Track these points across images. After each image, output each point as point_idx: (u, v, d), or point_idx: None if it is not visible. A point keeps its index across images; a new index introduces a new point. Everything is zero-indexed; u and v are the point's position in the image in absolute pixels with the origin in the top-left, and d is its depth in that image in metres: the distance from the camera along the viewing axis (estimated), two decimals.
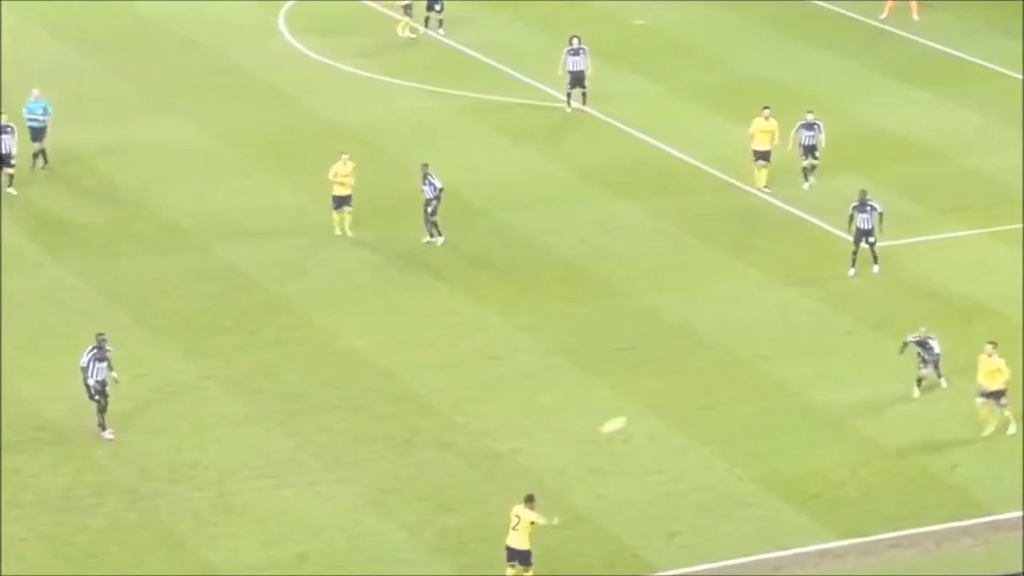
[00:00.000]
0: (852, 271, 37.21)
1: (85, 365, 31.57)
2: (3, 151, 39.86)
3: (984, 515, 30.17)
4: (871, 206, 37.60)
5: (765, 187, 40.94)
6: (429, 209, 38.70)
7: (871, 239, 37.47)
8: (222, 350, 34.90)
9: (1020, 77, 49.14)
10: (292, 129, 45.48)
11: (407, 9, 50.71)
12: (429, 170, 38.78)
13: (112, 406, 32.03)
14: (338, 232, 39.28)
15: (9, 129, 40.20)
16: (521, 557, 27.44)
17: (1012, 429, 32.12)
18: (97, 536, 29.30)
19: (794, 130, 41.65)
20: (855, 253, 37.49)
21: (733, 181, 41.90)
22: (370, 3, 54.21)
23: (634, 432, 32.19)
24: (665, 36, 51.53)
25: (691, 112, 46.64)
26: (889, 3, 52.87)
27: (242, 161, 43.52)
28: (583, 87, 45.81)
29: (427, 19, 51.17)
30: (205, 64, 49.38)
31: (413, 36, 50.83)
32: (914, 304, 36.95)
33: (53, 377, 33.67)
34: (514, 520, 27.40)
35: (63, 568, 28.61)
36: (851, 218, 37.68)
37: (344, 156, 39.42)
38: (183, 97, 47.16)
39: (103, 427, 31.67)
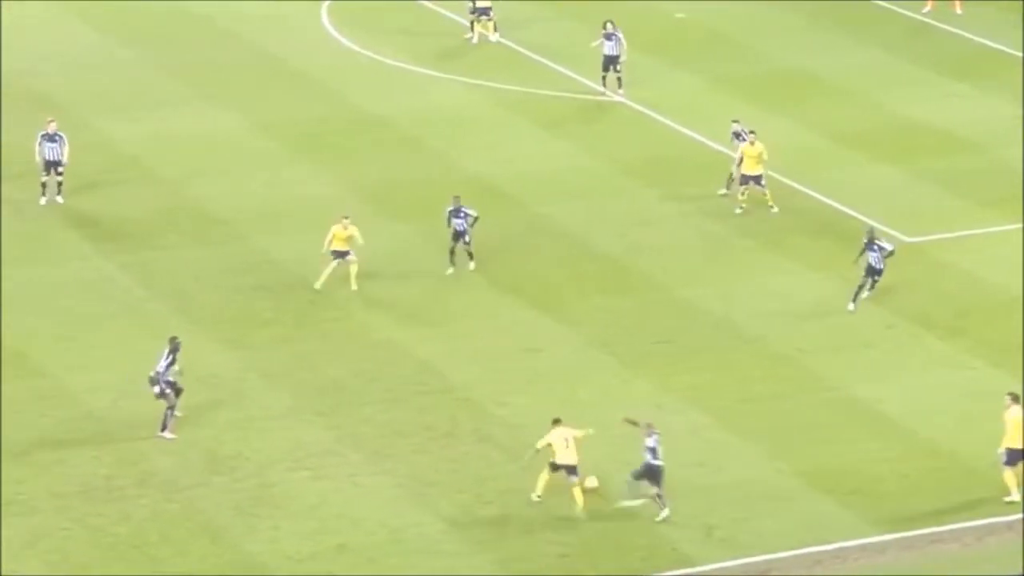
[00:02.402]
0: (852, 307, 35.59)
1: (162, 371, 31.12)
2: (51, 158, 39.69)
3: None
4: (879, 245, 35.83)
5: (771, 206, 39.38)
6: (465, 239, 37.00)
7: (877, 278, 35.63)
8: (263, 342, 34.78)
9: None
10: (333, 121, 45.33)
11: (484, 12, 49.75)
12: (461, 202, 37.35)
13: (153, 399, 31.94)
14: (317, 286, 36.07)
15: (58, 137, 39.91)
16: (574, 470, 29.56)
17: None
18: (138, 526, 29.23)
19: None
20: (861, 288, 35.74)
21: (771, 173, 41.50)
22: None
23: (673, 425, 31.93)
24: (704, 28, 51.19)
25: (731, 105, 46.27)
26: None
27: (283, 152, 43.38)
28: (617, 71, 45.55)
29: (487, 24, 49.76)
30: (247, 56, 49.28)
31: (493, 39, 49.86)
32: (954, 298, 36.57)
33: (95, 368, 33.62)
34: (563, 443, 29.55)
35: (105, 558, 28.54)
36: (861, 254, 35.86)
37: (345, 220, 36.43)
38: (225, 89, 47.06)
39: (165, 427, 31.44)
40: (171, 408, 31.55)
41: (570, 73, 47.66)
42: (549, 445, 29.66)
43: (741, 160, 39.69)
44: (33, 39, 49.48)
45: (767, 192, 39.52)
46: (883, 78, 48.14)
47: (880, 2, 53.52)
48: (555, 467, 29.69)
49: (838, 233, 39.03)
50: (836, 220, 39.80)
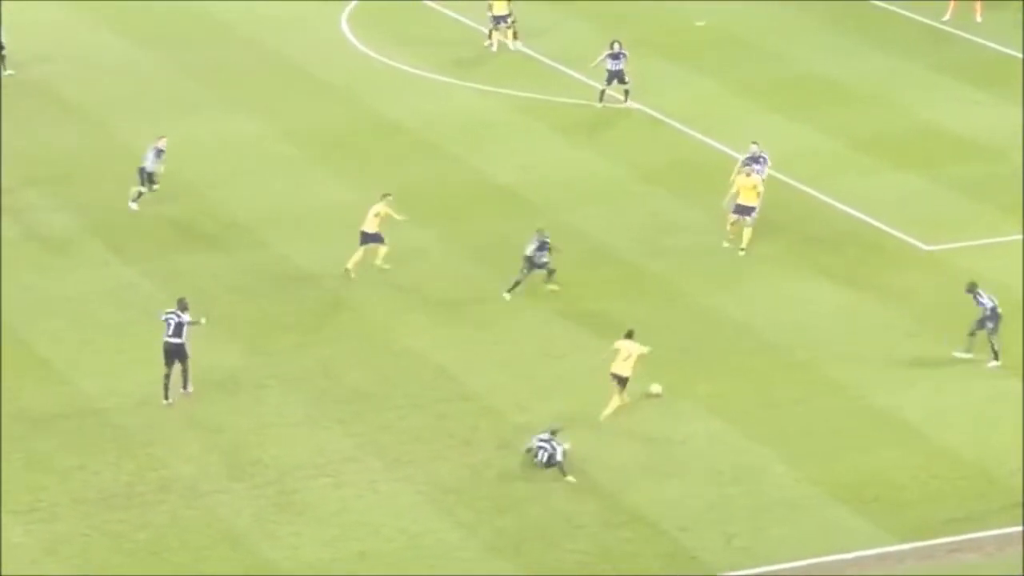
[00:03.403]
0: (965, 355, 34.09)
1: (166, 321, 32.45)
2: (149, 169, 39.91)
3: None
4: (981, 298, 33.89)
5: (742, 249, 37.89)
6: (545, 266, 36.31)
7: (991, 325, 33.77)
8: (283, 348, 34.78)
9: None
10: (353, 127, 45.34)
11: (502, 20, 49.78)
12: (546, 235, 36.45)
13: (174, 405, 31.94)
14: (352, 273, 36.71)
15: (159, 152, 39.96)
16: (624, 382, 31.76)
17: None
18: (158, 533, 29.24)
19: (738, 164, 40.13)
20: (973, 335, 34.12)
21: (790, 181, 41.42)
22: (430, 3, 54.03)
23: (693, 432, 31.88)
24: (724, 34, 51.10)
25: (750, 110, 46.23)
26: (952, 4, 52.25)
27: (304, 158, 43.40)
28: (623, 83, 45.46)
29: (506, 32, 49.64)
30: (268, 62, 49.31)
31: (512, 47, 49.82)
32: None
33: (116, 374, 33.64)
34: (625, 354, 31.85)
35: (125, 564, 28.55)
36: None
37: (388, 197, 37.22)
38: (246, 95, 47.10)
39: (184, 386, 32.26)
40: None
41: (588, 80, 47.60)
42: (615, 351, 31.82)
43: (734, 188, 38.70)
44: (53, 43, 49.54)
45: (750, 229, 37.97)
46: (903, 84, 48.02)
47: (899, 9, 53.41)
48: (613, 376, 31.79)
49: (857, 240, 38.92)
50: (855, 227, 39.69)
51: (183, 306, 32.87)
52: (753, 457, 31.37)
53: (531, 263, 36.37)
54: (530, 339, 35.21)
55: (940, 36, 51.52)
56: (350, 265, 37.06)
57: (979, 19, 51.98)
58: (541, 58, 49.72)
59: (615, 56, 45.46)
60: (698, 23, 52.25)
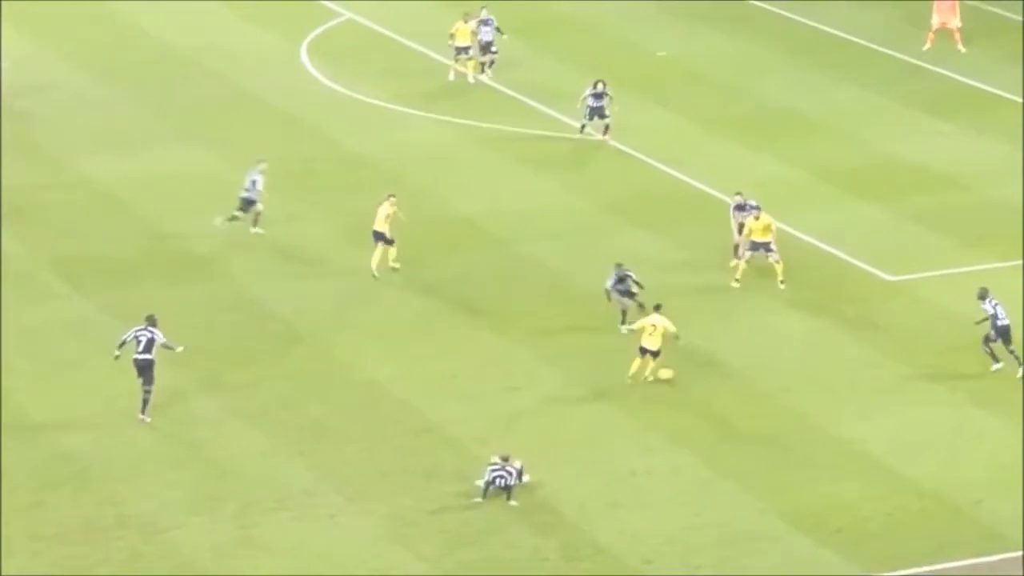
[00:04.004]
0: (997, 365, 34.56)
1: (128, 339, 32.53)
2: (252, 197, 40.28)
3: (1011, 551, 29.73)
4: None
5: (782, 282, 37.90)
6: (633, 297, 36.32)
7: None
8: (242, 382, 34.67)
9: None
10: (315, 159, 45.34)
11: (463, 51, 49.97)
12: (626, 270, 36.64)
13: (132, 439, 31.81)
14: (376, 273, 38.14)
15: (259, 175, 40.36)
16: (655, 354, 34.09)
17: None
18: (117, 569, 29.04)
19: (731, 210, 40.09)
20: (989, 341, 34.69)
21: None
22: (391, 35, 54.15)
23: (656, 465, 31.87)
24: (687, 67, 51.30)
25: (713, 142, 46.40)
26: (931, 34, 52.59)
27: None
28: (604, 118, 45.61)
29: (482, 64, 49.96)
30: (228, 94, 49.30)
31: (475, 81, 49.94)
32: (939, 337, 36.57)
33: (73, 408, 33.47)
34: (651, 328, 34.13)
35: None
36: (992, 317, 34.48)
37: (392, 198, 38.63)
38: (206, 127, 47.07)
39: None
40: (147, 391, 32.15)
41: (553, 113, 47.72)
42: (642, 328, 33.99)
43: (741, 229, 38.83)
44: (12, 77, 49.43)
45: (779, 262, 38.12)
46: (867, 116, 48.26)
47: (859, 40, 53.71)
48: (642, 350, 33.88)
49: (821, 271, 39.02)
50: (819, 258, 39.79)
51: (152, 322, 33.01)
52: (717, 489, 31.36)
53: (611, 296, 36.49)
54: (491, 372, 35.18)
55: (903, 68, 51.82)
56: (373, 266, 38.27)
57: (962, 49, 52.24)
58: (504, 90, 49.84)
59: (598, 95, 45.58)
60: (659, 54, 52.46)
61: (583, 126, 46.04)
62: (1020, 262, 39.69)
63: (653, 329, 34.12)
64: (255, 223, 40.50)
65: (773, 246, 38.41)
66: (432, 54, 52.22)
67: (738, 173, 44.18)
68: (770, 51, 52.85)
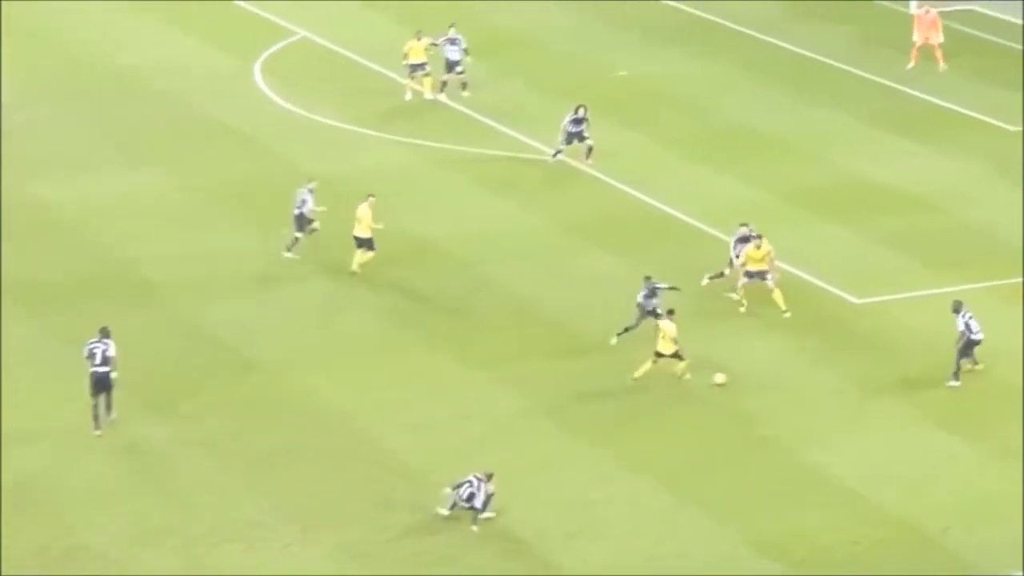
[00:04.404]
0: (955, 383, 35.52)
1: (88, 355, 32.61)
2: (305, 213, 40.58)
3: None
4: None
5: (785, 312, 38.11)
6: (655, 310, 36.62)
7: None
8: (193, 410, 34.64)
9: (1014, 129, 49.15)
10: (268, 182, 45.37)
11: (419, 67, 50.11)
12: (655, 282, 37.05)
13: (82, 468, 31.73)
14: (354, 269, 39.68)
15: (309, 192, 40.76)
16: (672, 356, 35.46)
17: None
18: None
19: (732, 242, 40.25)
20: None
21: (718, 234, 41.76)
22: (347, 54, 54.28)
23: (615, 493, 31.95)
24: (649, 86, 51.51)
25: (676, 163, 46.61)
26: (915, 52, 52.98)
27: (216, 214, 43.39)
28: (584, 140, 45.68)
29: (443, 82, 50.29)
30: (179, 115, 49.31)
31: (433, 97, 50.22)
32: (907, 361, 36.78)
33: (19, 436, 33.39)
34: (662, 332, 35.51)
35: None
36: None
37: (371, 198, 40.03)
38: (156, 149, 47.07)
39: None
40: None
41: (513, 133, 47.89)
42: (658, 331, 35.43)
43: (742, 260, 38.84)
44: None
45: (777, 292, 38.33)
46: (835, 136, 48.51)
47: (824, 59, 54.04)
48: (657, 355, 35.10)
49: (787, 294, 39.18)
50: (785, 281, 39.93)
51: (106, 333, 33.23)
52: (677, 518, 31.45)
53: (643, 310, 36.77)
54: (449, 398, 35.24)
55: (870, 87, 52.16)
56: (355, 268, 39.47)
57: (943, 66, 52.62)
58: (463, 110, 49.99)
59: (577, 120, 45.74)
60: (620, 73, 52.70)
61: (558, 151, 46.05)
62: (989, 284, 39.96)
63: (664, 334, 35.35)
64: (290, 248, 40.57)
65: (770, 275, 38.44)
66: (389, 73, 52.33)
67: (703, 194, 44.43)
68: (734, 70, 53.13)
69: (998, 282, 39.97)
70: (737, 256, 39.02)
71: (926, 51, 52.82)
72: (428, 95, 50.25)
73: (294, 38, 55.92)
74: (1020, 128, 49.02)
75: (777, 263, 39.82)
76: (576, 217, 43.50)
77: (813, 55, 54.35)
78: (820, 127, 49.08)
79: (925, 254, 41.43)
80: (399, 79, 51.23)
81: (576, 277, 40.46)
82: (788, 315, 38.22)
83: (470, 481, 30.80)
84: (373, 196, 39.84)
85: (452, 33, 50.40)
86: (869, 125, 49.16)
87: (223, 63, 53.18)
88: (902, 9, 57.97)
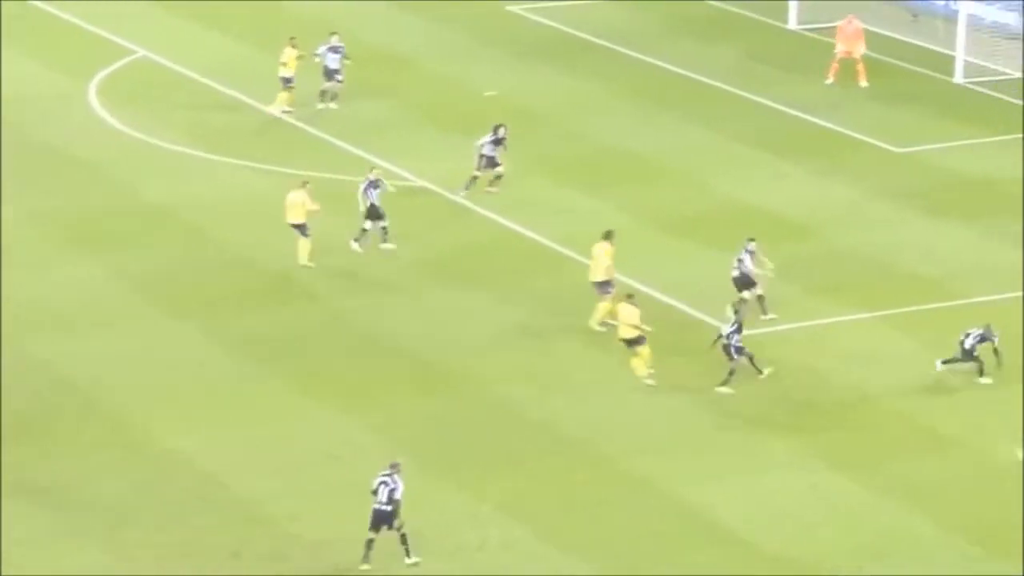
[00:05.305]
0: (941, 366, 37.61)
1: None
2: (374, 203, 42.40)
3: None
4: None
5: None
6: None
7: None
8: (30, 458, 34.06)
9: (897, 149, 49.91)
10: (108, 210, 44.88)
11: (288, 83, 50.18)
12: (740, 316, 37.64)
13: None
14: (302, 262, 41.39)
15: (373, 184, 42.57)
16: (632, 343, 37.01)
17: None
18: None
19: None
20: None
21: (587, 261, 41.88)
22: (191, 74, 53.91)
23: (489, 538, 31.86)
24: (518, 107, 51.63)
25: (545, 187, 46.70)
26: (835, 66, 53.62)
27: (53, 246, 42.82)
28: (495, 167, 45.67)
29: (323, 92, 50.46)
30: (9, 141, 48.62)
31: (290, 112, 50.29)
32: (790, 394, 37.08)
33: None
34: (620, 317, 37.23)
35: None
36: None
37: (307, 185, 41.80)
38: None
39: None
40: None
41: (372, 158, 47.75)
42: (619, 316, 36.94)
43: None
44: None
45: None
46: (712, 159, 48.91)
47: (699, 77, 54.54)
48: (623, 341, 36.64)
49: (662, 325, 39.34)
50: (660, 311, 40.12)
51: None
52: (553, 564, 31.40)
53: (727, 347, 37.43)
54: (307, 440, 34.98)
55: (749, 107, 52.67)
56: (303, 260, 41.30)
57: (864, 83, 53.31)
58: (317, 133, 49.80)
59: (497, 142, 45.71)
60: (488, 93, 52.82)
61: (474, 178, 45.75)
62: (875, 314, 40.44)
63: (622, 318, 36.85)
64: (384, 239, 42.62)
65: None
66: (236, 94, 52.04)
67: (571, 219, 44.56)
68: (608, 90, 53.44)
69: (883, 312, 40.46)
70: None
71: (847, 65, 53.48)
72: (277, 110, 50.22)
73: (133, 57, 55.43)
74: (904, 149, 49.79)
75: (651, 293, 40.02)
76: (438, 247, 43.45)
77: (690, 74, 54.82)
78: (696, 149, 49.48)
79: (806, 281, 41.79)
80: (248, 100, 50.90)
81: (437, 311, 40.39)
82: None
83: (384, 481, 30.53)
84: (308, 183, 41.80)
85: (335, 41, 50.62)
86: (747, 147, 49.64)
87: (55, 83, 52.57)
88: (782, 26, 58.72)
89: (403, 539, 30.87)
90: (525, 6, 60.45)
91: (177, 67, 54.51)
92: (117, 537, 31.81)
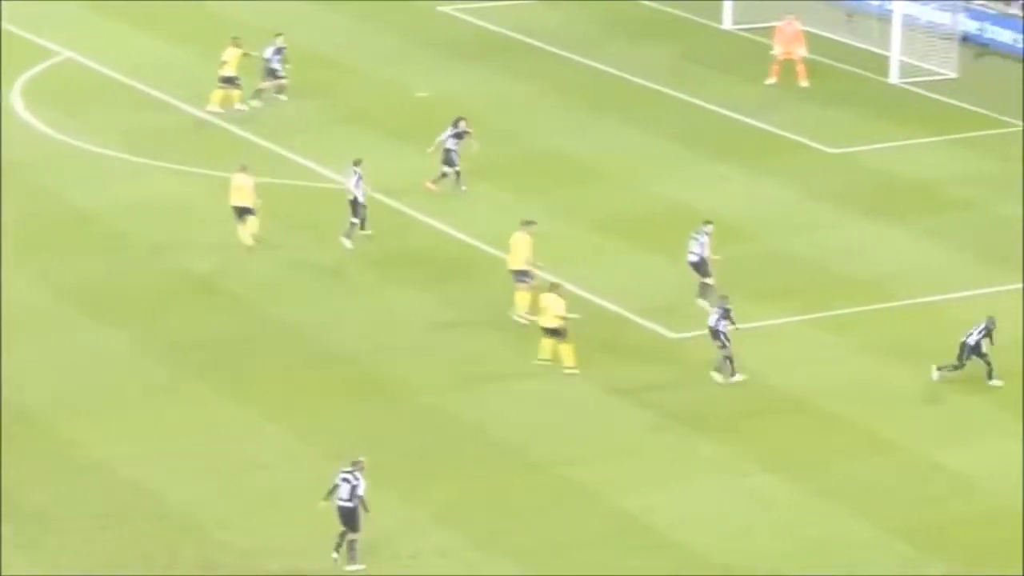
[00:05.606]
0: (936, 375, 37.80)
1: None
2: (358, 198, 43.00)
3: None
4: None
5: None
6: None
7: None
8: None
9: (833, 151, 50.32)
10: (31, 216, 44.73)
11: (230, 81, 50.28)
12: (726, 303, 37.99)
13: None
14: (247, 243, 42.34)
15: (357, 177, 43.09)
16: (554, 333, 37.73)
17: None
18: None
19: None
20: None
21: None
22: (118, 76, 53.81)
23: (423, 547, 31.98)
24: (450, 108, 51.68)
25: (481, 192, 46.84)
26: (776, 67, 53.93)
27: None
28: (454, 165, 45.77)
29: (261, 90, 50.78)
30: None
31: (245, 109, 50.43)
32: (727, 398, 37.33)
33: None
34: (543, 305, 37.84)
35: None
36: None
37: (244, 168, 42.83)
38: None
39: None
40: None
41: (303, 161, 47.77)
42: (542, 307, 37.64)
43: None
44: None
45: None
46: (647, 161, 49.13)
47: (633, 78, 54.79)
48: (544, 331, 37.37)
49: (597, 328, 39.60)
50: (595, 314, 40.32)
51: None
52: (489, 572, 31.54)
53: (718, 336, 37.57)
54: (236, 448, 34.99)
55: (686, 108, 52.90)
56: (247, 240, 42.12)
57: (804, 83, 53.66)
58: (249, 136, 49.77)
59: (459, 135, 45.79)
60: (419, 94, 52.91)
61: (443, 173, 45.87)
62: (811, 316, 40.77)
63: (545, 307, 37.46)
64: (363, 226, 43.17)
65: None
66: (164, 97, 51.95)
67: (504, 223, 44.64)
68: (542, 91, 53.61)
69: (820, 314, 40.79)
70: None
71: (787, 66, 53.85)
72: (214, 110, 50.30)
73: (58, 59, 55.26)
74: (839, 149, 50.21)
75: (587, 296, 40.24)
76: (370, 250, 43.51)
77: (624, 75, 55.06)
78: (631, 150, 49.70)
79: (741, 283, 42.06)
80: (177, 103, 50.84)
81: (371, 315, 40.46)
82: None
83: (345, 479, 30.76)
84: (246, 165, 42.88)
85: (280, 42, 51.07)
86: (684, 148, 49.88)
87: None
88: (716, 27, 59.08)
89: (351, 545, 30.93)
90: (457, 6, 60.60)
91: (102, 68, 54.38)
92: (43, 548, 31.73)
